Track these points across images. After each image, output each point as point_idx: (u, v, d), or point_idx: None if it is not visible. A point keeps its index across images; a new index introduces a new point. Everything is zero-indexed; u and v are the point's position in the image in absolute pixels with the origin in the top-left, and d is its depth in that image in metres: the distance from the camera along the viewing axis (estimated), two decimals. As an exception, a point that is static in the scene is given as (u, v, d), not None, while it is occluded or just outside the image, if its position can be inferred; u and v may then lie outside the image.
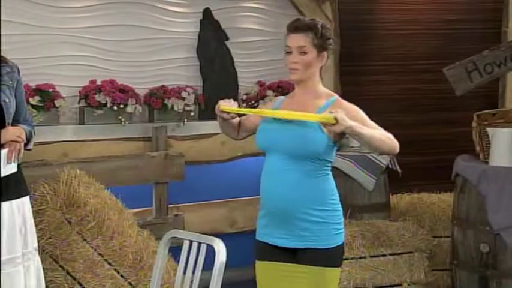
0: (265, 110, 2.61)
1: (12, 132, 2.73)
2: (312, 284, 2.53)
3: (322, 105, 2.57)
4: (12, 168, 2.73)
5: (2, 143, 2.70)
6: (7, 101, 2.74)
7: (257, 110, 2.66)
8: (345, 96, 5.21)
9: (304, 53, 2.55)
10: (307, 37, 2.55)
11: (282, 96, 2.75)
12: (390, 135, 2.55)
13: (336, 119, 2.35)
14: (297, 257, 2.56)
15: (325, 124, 2.39)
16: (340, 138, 2.57)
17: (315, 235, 2.53)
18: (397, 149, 2.55)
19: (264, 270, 2.64)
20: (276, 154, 2.56)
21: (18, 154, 2.75)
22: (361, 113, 2.58)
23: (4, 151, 2.69)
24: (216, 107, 2.63)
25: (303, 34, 2.56)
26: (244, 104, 4.75)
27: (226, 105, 2.60)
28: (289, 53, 2.57)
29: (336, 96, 2.63)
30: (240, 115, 2.73)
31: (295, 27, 2.58)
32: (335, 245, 2.56)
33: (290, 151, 2.52)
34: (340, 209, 2.62)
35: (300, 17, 2.69)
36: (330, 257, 2.55)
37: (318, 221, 2.53)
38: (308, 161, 2.51)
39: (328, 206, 2.56)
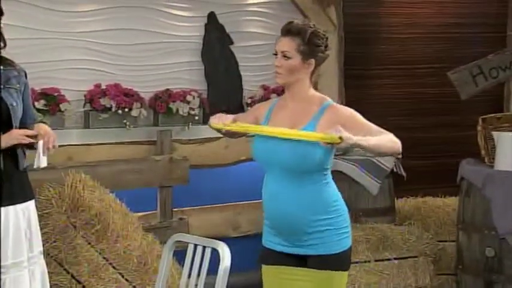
0: (264, 128, 2.52)
1: (15, 134, 2.72)
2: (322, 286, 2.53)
3: (316, 112, 2.52)
4: (44, 162, 2.72)
5: (4, 146, 2.69)
6: (14, 104, 2.74)
7: (251, 126, 2.53)
8: (349, 100, 5.25)
9: (288, 57, 2.50)
10: (293, 42, 2.50)
11: (275, 99, 2.69)
12: (391, 137, 2.51)
13: (341, 138, 2.30)
14: (304, 263, 2.56)
15: (328, 143, 2.33)
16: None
17: (322, 242, 2.53)
18: (400, 149, 2.51)
19: (271, 274, 2.63)
20: (275, 169, 2.52)
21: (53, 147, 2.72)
22: (357, 117, 2.54)
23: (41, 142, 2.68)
24: (208, 123, 2.60)
25: (290, 38, 2.51)
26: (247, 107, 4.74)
27: (216, 122, 2.55)
28: (275, 55, 2.55)
29: (329, 101, 2.57)
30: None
31: (285, 30, 2.53)
32: (342, 250, 2.55)
33: (290, 167, 2.48)
34: (345, 212, 2.60)
35: (294, 20, 2.60)
36: (338, 261, 2.55)
37: (325, 229, 2.53)
38: (308, 173, 2.49)
39: (333, 212, 2.54)
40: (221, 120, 2.55)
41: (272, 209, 2.57)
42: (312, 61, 2.53)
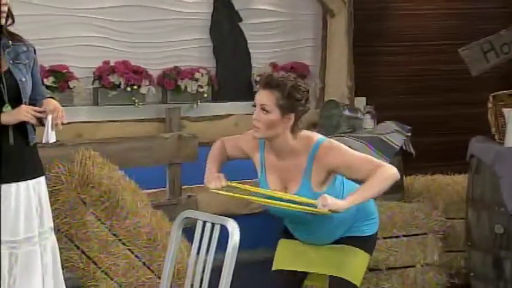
0: (263, 192, 2.51)
1: (24, 110, 2.72)
2: (342, 259, 2.57)
3: (306, 165, 2.46)
4: (53, 137, 2.72)
5: (13, 122, 2.70)
6: (23, 79, 2.74)
7: (249, 191, 2.55)
8: (358, 77, 5.20)
9: (267, 111, 2.42)
10: (272, 95, 2.41)
11: (262, 141, 2.56)
12: (385, 172, 2.41)
13: (331, 210, 2.32)
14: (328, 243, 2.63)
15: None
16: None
17: (349, 231, 2.59)
18: (397, 178, 2.44)
19: (289, 245, 2.67)
20: (289, 220, 2.60)
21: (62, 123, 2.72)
22: (347, 158, 2.44)
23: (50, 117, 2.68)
24: (205, 183, 2.58)
25: (269, 92, 2.42)
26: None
27: (213, 186, 2.54)
28: (254, 107, 2.47)
29: (315, 145, 2.47)
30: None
31: (264, 83, 2.45)
32: (368, 234, 2.61)
33: (301, 220, 2.52)
34: (369, 202, 2.60)
35: (274, 73, 2.53)
36: (363, 242, 2.60)
37: (352, 226, 2.59)
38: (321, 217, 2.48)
39: (356, 212, 2.54)
40: (217, 183, 2.54)
41: (295, 234, 2.66)
42: (292, 116, 2.43)
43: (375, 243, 2.69)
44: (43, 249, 2.80)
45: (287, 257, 2.65)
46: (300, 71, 4.82)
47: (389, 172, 2.41)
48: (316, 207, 2.36)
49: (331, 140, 2.52)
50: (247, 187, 2.58)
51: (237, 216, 4.34)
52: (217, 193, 2.55)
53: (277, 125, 2.43)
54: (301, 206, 2.40)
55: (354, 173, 2.44)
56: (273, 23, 4.91)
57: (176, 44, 4.57)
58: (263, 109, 2.43)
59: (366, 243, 2.61)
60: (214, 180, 2.55)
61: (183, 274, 3.16)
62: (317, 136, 2.51)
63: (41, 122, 2.77)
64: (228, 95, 4.68)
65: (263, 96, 2.44)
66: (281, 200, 2.46)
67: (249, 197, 2.56)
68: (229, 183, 2.57)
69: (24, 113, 2.69)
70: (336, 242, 2.60)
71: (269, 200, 2.48)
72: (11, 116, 2.69)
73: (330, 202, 2.32)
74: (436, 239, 4.19)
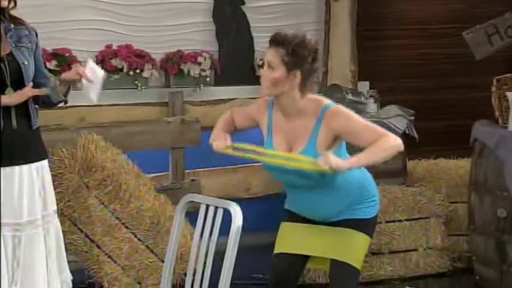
0: (267, 151, 2.53)
1: (27, 90, 2.73)
2: (343, 243, 2.58)
3: (314, 126, 2.46)
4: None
5: (15, 103, 2.71)
6: (26, 63, 2.75)
7: (254, 150, 2.56)
8: (362, 62, 5.17)
9: (272, 68, 2.43)
10: (277, 52, 2.43)
11: (270, 100, 2.58)
12: (388, 141, 2.42)
13: (331, 168, 2.32)
14: (328, 224, 2.63)
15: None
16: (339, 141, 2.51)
17: (349, 212, 2.60)
18: (400, 149, 2.45)
19: (292, 228, 2.68)
20: (289, 184, 2.59)
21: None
22: (353, 123, 2.45)
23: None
24: (210, 142, 2.61)
25: (274, 49, 2.44)
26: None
27: (218, 144, 2.57)
28: (263, 65, 2.49)
29: (325, 106, 2.48)
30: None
31: (271, 40, 2.46)
32: (368, 217, 2.61)
33: (300, 185, 2.53)
34: (369, 183, 2.62)
35: (282, 30, 2.50)
36: (363, 225, 2.61)
37: (353, 207, 2.59)
38: (322, 179, 2.47)
39: (357, 190, 2.56)
40: (222, 142, 2.57)
41: (295, 207, 2.66)
42: (298, 73, 2.43)
43: (375, 226, 2.69)
44: (46, 232, 2.82)
45: (289, 240, 2.66)
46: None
47: (394, 143, 2.43)
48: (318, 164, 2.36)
49: (341, 105, 2.52)
50: (252, 147, 2.58)
51: (240, 200, 4.37)
52: (221, 151, 2.57)
53: (282, 82, 2.44)
54: (303, 164, 2.40)
55: (357, 139, 2.44)
56: (276, 6, 4.87)
57: (179, 28, 4.55)
58: (269, 66, 2.45)
59: (366, 226, 2.61)
60: (219, 139, 2.59)
61: (186, 258, 3.18)
62: (327, 100, 2.52)
63: (44, 102, 2.79)
64: (230, 79, 4.67)
65: (269, 54, 2.46)
66: (285, 158, 2.46)
67: (253, 156, 2.56)
68: (234, 144, 2.59)
69: (28, 91, 2.71)
70: (337, 224, 2.61)
71: (272, 159, 2.49)
72: (12, 97, 2.69)
73: (331, 160, 2.33)
74: (439, 223, 4.20)
